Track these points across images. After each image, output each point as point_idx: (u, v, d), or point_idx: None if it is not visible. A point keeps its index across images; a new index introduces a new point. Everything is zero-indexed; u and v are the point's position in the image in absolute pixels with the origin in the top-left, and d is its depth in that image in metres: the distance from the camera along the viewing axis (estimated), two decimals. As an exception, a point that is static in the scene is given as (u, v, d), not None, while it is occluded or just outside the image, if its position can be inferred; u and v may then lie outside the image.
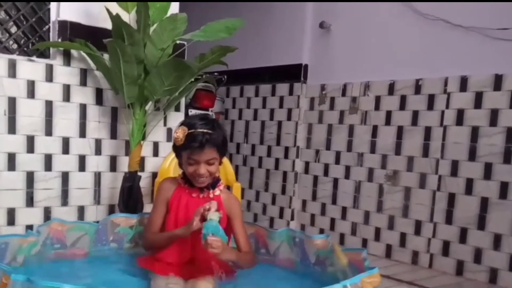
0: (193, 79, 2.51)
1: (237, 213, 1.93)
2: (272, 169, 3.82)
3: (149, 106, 2.49)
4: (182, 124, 1.84)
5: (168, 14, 2.43)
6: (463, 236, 2.74)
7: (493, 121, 2.62)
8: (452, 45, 2.80)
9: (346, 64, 3.38)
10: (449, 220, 2.80)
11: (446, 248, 2.81)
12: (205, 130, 1.78)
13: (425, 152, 2.92)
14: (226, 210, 1.89)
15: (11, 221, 2.30)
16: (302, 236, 2.08)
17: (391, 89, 3.09)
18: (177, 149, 1.85)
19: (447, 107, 2.82)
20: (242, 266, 1.86)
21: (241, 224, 1.93)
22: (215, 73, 3.52)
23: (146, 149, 2.63)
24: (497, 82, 2.61)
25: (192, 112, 3.15)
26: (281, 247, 2.13)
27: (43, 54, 2.40)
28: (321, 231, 3.46)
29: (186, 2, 2.93)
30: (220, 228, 1.71)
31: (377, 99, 3.16)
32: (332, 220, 3.43)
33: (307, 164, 3.60)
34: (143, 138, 2.44)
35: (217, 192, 1.91)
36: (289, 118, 3.69)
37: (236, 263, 1.81)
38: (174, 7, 2.59)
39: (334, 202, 3.42)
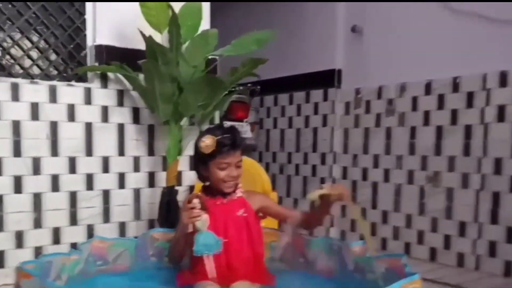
0: (226, 92, 2.55)
1: (263, 199, 2.05)
2: (309, 176, 3.80)
3: (184, 121, 2.54)
4: (203, 135, 1.91)
5: (199, 31, 2.48)
6: (510, 235, 2.64)
7: (537, 115, 2.53)
8: (489, 40, 2.72)
9: (380, 66, 3.33)
10: (494, 220, 2.71)
11: (492, 249, 2.72)
12: (231, 135, 1.89)
13: (466, 151, 2.84)
14: (253, 206, 1.98)
15: (56, 240, 2.39)
16: (340, 243, 2.08)
17: (427, 89, 3.03)
18: (204, 159, 1.89)
19: (487, 104, 2.74)
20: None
21: (272, 203, 2.07)
22: (249, 84, 3.55)
23: (183, 164, 2.68)
24: (538, 75, 2.52)
25: (227, 124, 3.18)
26: (320, 255, 2.13)
27: (82, 78, 2.49)
28: (362, 237, 3.41)
29: (217, 14, 2.96)
30: (210, 237, 1.75)
31: (414, 100, 3.11)
32: (373, 225, 3.38)
33: (345, 169, 3.57)
34: (180, 153, 2.50)
35: (238, 194, 1.98)
36: (324, 124, 3.67)
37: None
38: (205, 23, 2.64)
39: (374, 206, 3.37)
